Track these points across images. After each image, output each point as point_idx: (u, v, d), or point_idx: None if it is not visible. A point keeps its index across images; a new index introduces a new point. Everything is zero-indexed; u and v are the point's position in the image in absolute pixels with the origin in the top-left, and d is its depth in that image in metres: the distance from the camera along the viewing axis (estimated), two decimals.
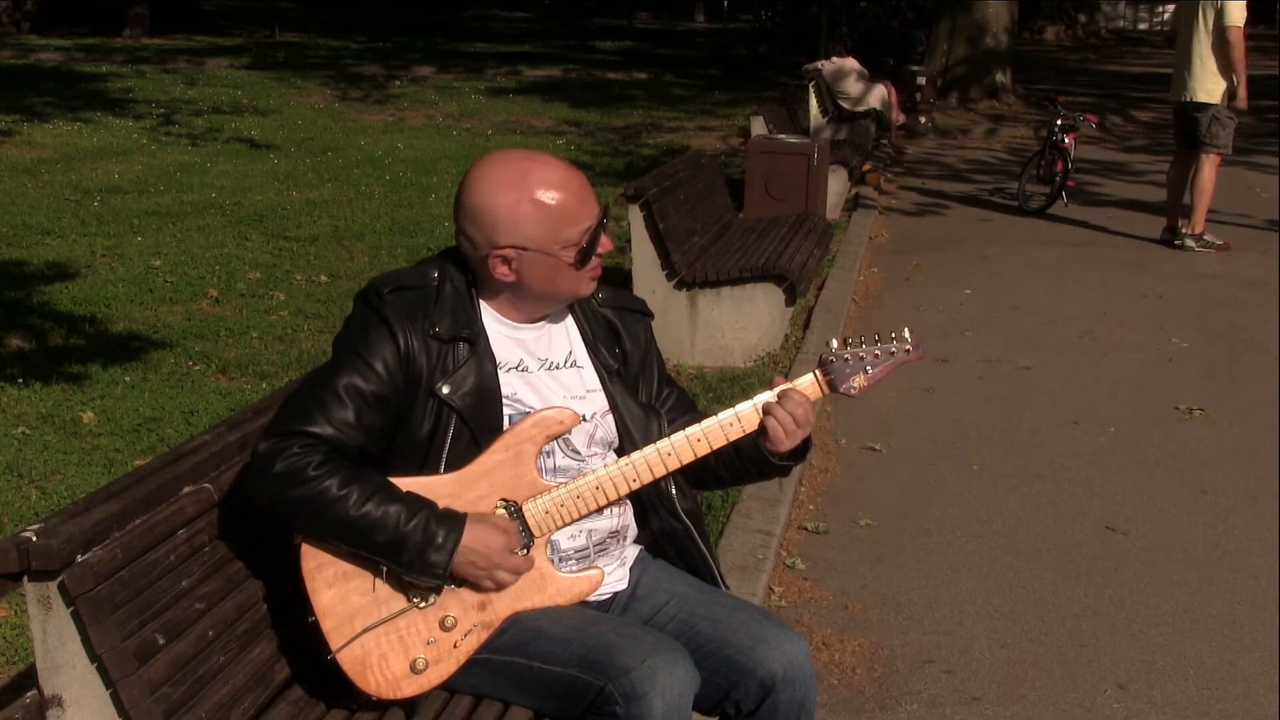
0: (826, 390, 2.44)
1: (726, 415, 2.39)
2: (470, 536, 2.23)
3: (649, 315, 2.66)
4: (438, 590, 2.28)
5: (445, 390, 2.31)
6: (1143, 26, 37.39)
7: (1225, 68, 9.15)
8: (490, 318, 2.41)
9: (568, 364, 2.47)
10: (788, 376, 6.47)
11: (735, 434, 2.40)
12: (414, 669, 2.27)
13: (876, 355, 2.44)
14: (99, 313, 6.81)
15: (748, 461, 2.48)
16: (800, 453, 2.47)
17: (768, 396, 2.41)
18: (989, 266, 8.98)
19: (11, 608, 3.63)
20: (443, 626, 2.28)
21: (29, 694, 2.06)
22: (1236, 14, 9.07)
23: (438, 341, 2.32)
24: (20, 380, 5.62)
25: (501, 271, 2.36)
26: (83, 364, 5.88)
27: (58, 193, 10.30)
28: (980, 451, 5.41)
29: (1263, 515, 4.78)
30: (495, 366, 2.36)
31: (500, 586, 2.29)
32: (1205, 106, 9.26)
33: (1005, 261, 9.13)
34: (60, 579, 1.97)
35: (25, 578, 1.97)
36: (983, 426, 5.70)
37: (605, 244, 2.41)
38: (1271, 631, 3.90)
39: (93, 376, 5.73)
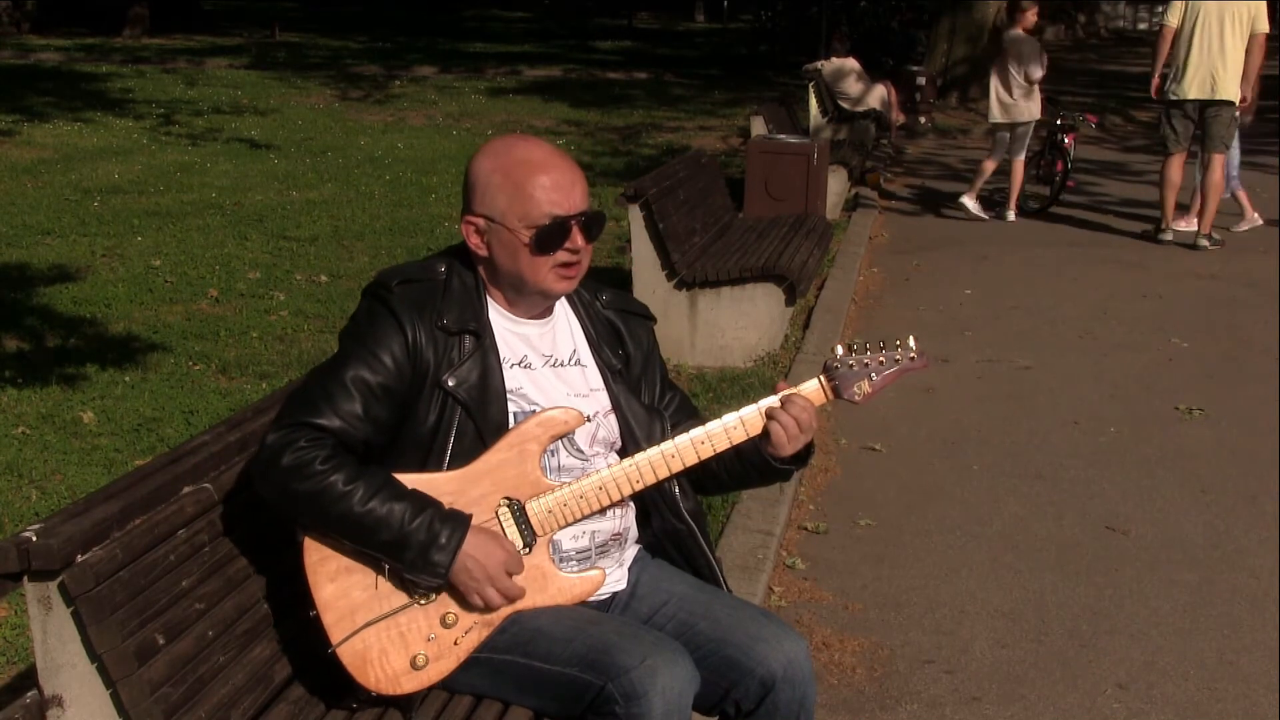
0: (831, 396, 2.45)
1: (730, 418, 2.40)
2: (472, 544, 2.24)
3: (651, 319, 2.67)
4: (438, 590, 2.28)
5: (451, 383, 2.32)
6: (1143, 26, 37.32)
7: (1243, 71, 9.27)
8: (495, 312, 2.43)
9: (571, 362, 2.48)
10: (788, 377, 6.46)
11: (739, 437, 2.41)
12: (414, 665, 2.27)
13: (881, 362, 2.45)
14: (99, 313, 6.82)
15: (749, 465, 2.48)
16: (802, 457, 2.47)
17: (771, 400, 2.41)
18: (989, 266, 8.99)
19: (11, 608, 3.63)
20: (443, 623, 2.29)
21: (29, 694, 2.06)
22: (1266, 22, 9.28)
23: (445, 334, 2.34)
24: (20, 380, 5.62)
25: (474, 242, 2.41)
26: (83, 364, 5.88)
27: (58, 193, 10.31)
28: (980, 451, 5.41)
29: (1263, 515, 4.78)
30: (500, 360, 2.38)
31: (487, 605, 2.28)
32: (1229, 105, 9.34)
33: (1005, 261, 9.13)
34: (60, 579, 1.97)
35: (25, 578, 1.97)
36: (983, 426, 5.70)
37: (576, 240, 2.38)
38: (1271, 631, 3.90)
39: (93, 377, 5.73)
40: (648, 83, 20.66)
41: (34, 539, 1.96)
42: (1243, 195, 10.22)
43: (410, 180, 11.46)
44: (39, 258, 8.01)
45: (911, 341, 2.48)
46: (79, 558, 1.99)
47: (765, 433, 2.41)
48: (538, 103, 17.90)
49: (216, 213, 9.69)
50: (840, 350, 2.46)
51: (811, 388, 2.45)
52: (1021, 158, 10.54)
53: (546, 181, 2.35)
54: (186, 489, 2.28)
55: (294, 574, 2.42)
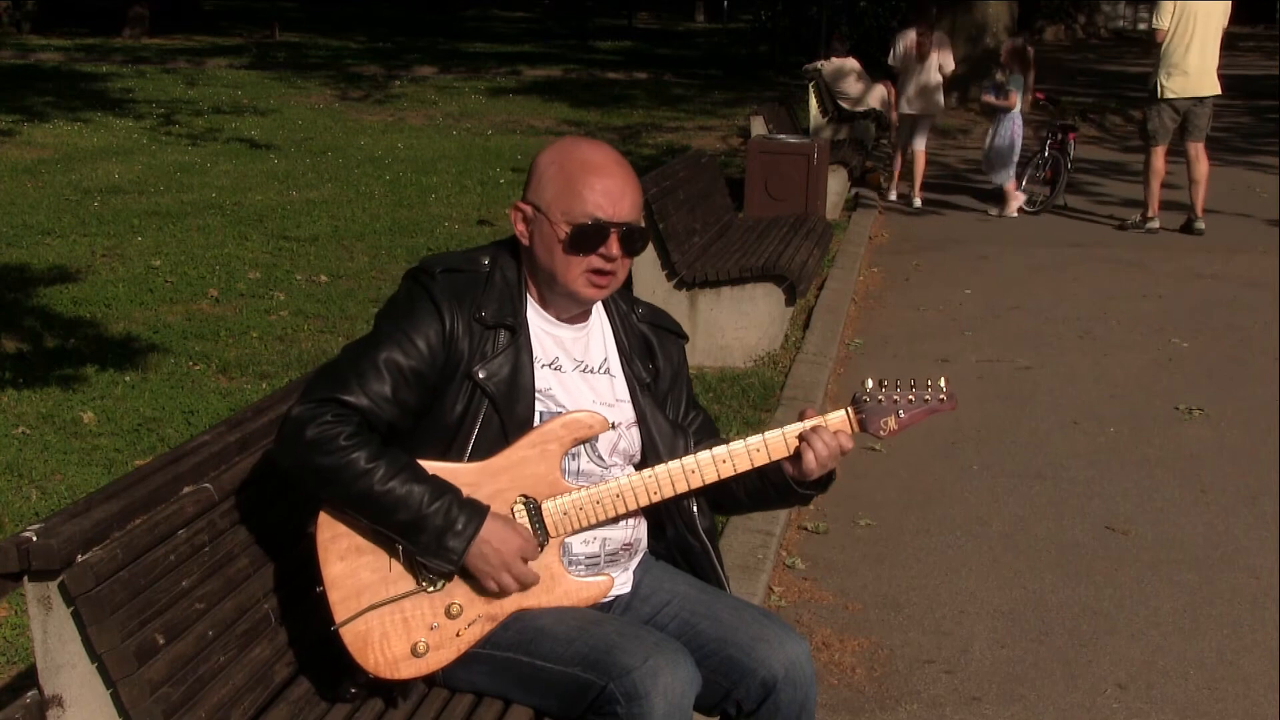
0: (856, 429, 2.45)
1: (755, 440, 2.41)
2: (489, 530, 2.24)
3: (684, 338, 2.68)
4: (448, 577, 2.29)
5: (482, 375, 2.33)
6: (1142, 26, 37.32)
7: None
8: (533, 311, 2.44)
9: (601, 370, 2.49)
10: (786, 377, 6.43)
11: (761, 460, 2.41)
12: (414, 652, 2.28)
13: (910, 400, 2.45)
14: (99, 313, 6.81)
15: (770, 486, 2.48)
16: (824, 483, 2.48)
17: (799, 427, 2.42)
18: (989, 266, 8.99)
19: (11, 608, 3.63)
20: (448, 613, 2.29)
21: (29, 694, 2.06)
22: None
23: (481, 326, 2.35)
24: (20, 380, 5.61)
25: (519, 229, 2.43)
26: (83, 364, 5.88)
27: (58, 193, 10.30)
28: (980, 451, 5.41)
29: (1263, 515, 4.78)
30: (532, 359, 2.39)
31: (503, 590, 2.29)
32: (1212, 99, 9.74)
33: (1005, 261, 9.13)
34: (60, 579, 1.97)
35: (25, 578, 1.97)
36: (983, 426, 5.70)
37: (612, 248, 2.38)
38: (1271, 631, 3.90)
39: (93, 377, 5.73)
40: (648, 83, 20.65)
41: (34, 539, 1.96)
42: (1012, 186, 10.71)
43: (410, 180, 11.46)
44: (39, 258, 8.01)
45: (943, 382, 2.48)
46: (79, 558, 1.99)
47: (795, 455, 2.41)
48: (538, 103, 17.90)
49: (216, 213, 9.69)
50: (870, 383, 2.45)
51: (838, 419, 2.44)
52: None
53: (598, 185, 2.36)
54: (186, 489, 2.28)
55: (294, 574, 2.43)
